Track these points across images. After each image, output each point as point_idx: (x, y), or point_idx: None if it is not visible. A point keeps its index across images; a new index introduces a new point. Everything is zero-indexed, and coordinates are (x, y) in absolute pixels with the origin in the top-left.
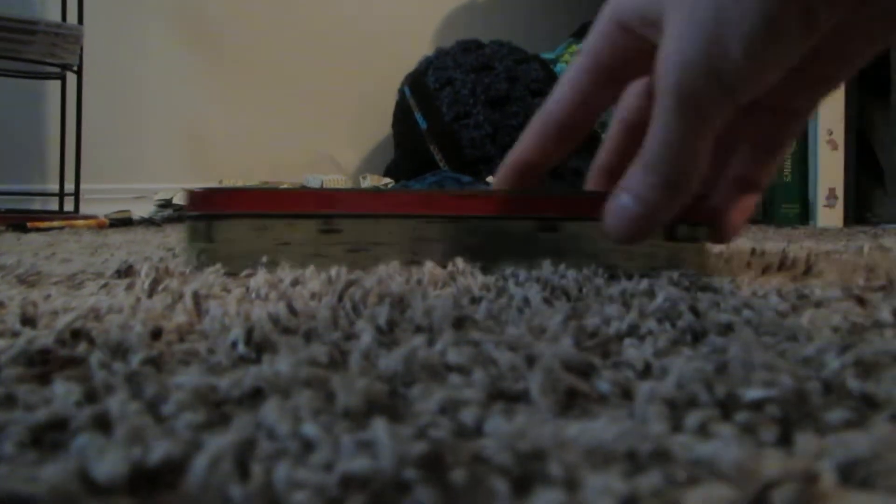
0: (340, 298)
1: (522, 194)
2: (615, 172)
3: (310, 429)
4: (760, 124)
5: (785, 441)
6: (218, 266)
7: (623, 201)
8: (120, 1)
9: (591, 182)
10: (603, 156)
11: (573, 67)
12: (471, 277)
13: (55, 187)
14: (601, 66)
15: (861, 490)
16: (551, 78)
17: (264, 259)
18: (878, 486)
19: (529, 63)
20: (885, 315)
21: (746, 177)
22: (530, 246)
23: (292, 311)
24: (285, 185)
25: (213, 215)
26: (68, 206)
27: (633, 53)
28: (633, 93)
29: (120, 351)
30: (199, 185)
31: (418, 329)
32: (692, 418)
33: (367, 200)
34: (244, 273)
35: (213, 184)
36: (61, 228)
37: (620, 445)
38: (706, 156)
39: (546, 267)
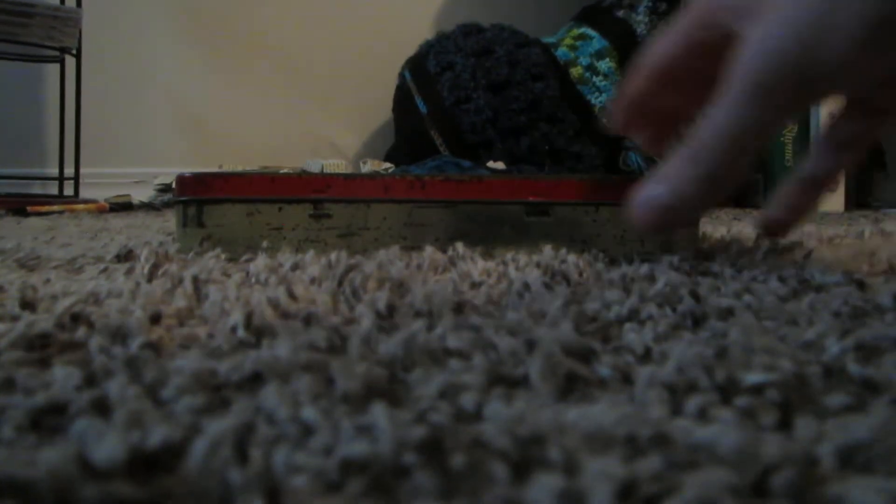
0: (340, 283)
1: (514, 179)
2: (633, 110)
3: (309, 413)
4: (842, 123)
5: (785, 425)
6: (217, 251)
7: (657, 191)
8: None
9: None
10: (629, 91)
11: (672, 27)
12: (471, 262)
13: (55, 171)
14: (688, 38)
15: (860, 474)
16: (552, 62)
17: (264, 245)
18: (877, 469)
19: (530, 47)
20: (886, 300)
21: (817, 175)
22: (522, 230)
23: (292, 295)
24: (285, 170)
25: (203, 200)
26: (68, 190)
27: (709, 45)
28: (675, 42)
29: (119, 335)
30: (199, 169)
31: (418, 314)
32: (692, 403)
33: (358, 185)
34: (244, 258)
35: (213, 168)
36: (61, 213)
37: (620, 430)
38: (755, 154)
39: (546, 251)
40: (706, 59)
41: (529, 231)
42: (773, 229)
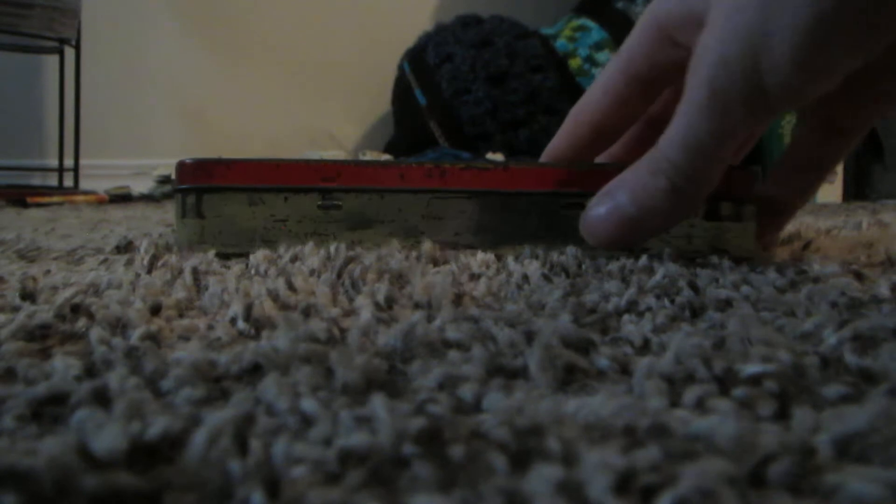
0: (339, 275)
1: (545, 167)
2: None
3: (308, 404)
4: (803, 142)
5: (782, 416)
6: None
7: (618, 200)
8: None
9: None
10: (616, 148)
11: (609, 69)
12: (469, 254)
13: (54, 162)
14: (637, 74)
15: (857, 463)
16: (551, 54)
17: (257, 247)
18: (874, 459)
19: (529, 39)
20: (884, 290)
21: (778, 199)
22: (554, 224)
23: (291, 287)
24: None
25: (203, 188)
26: (68, 181)
27: (671, 65)
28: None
29: (119, 326)
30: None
31: (417, 305)
32: (690, 393)
33: (371, 173)
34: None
35: None
36: (61, 204)
37: (618, 421)
38: (723, 166)
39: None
40: (676, 73)
41: (563, 226)
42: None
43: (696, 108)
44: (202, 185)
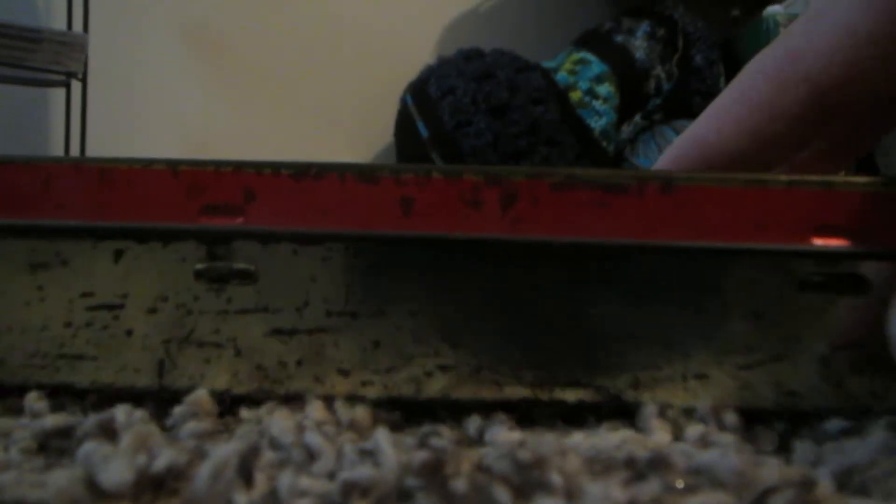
0: None
1: (765, 184)
2: None
3: (313, 438)
4: None
5: (784, 449)
6: None
7: None
8: (125, 10)
9: None
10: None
11: None
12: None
13: None
14: None
15: (857, 496)
16: (552, 87)
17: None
18: (873, 492)
19: (530, 72)
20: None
21: None
22: (783, 329)
23: None
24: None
25: None
26: None
27: None
28: None
29: None
30: None
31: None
32: (693, 428)
33: (334, 193)
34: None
35: None
36: None
37: (620, 454)
38: None
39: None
40: None
41: (806, 331)
42: None
43: None
44: None
